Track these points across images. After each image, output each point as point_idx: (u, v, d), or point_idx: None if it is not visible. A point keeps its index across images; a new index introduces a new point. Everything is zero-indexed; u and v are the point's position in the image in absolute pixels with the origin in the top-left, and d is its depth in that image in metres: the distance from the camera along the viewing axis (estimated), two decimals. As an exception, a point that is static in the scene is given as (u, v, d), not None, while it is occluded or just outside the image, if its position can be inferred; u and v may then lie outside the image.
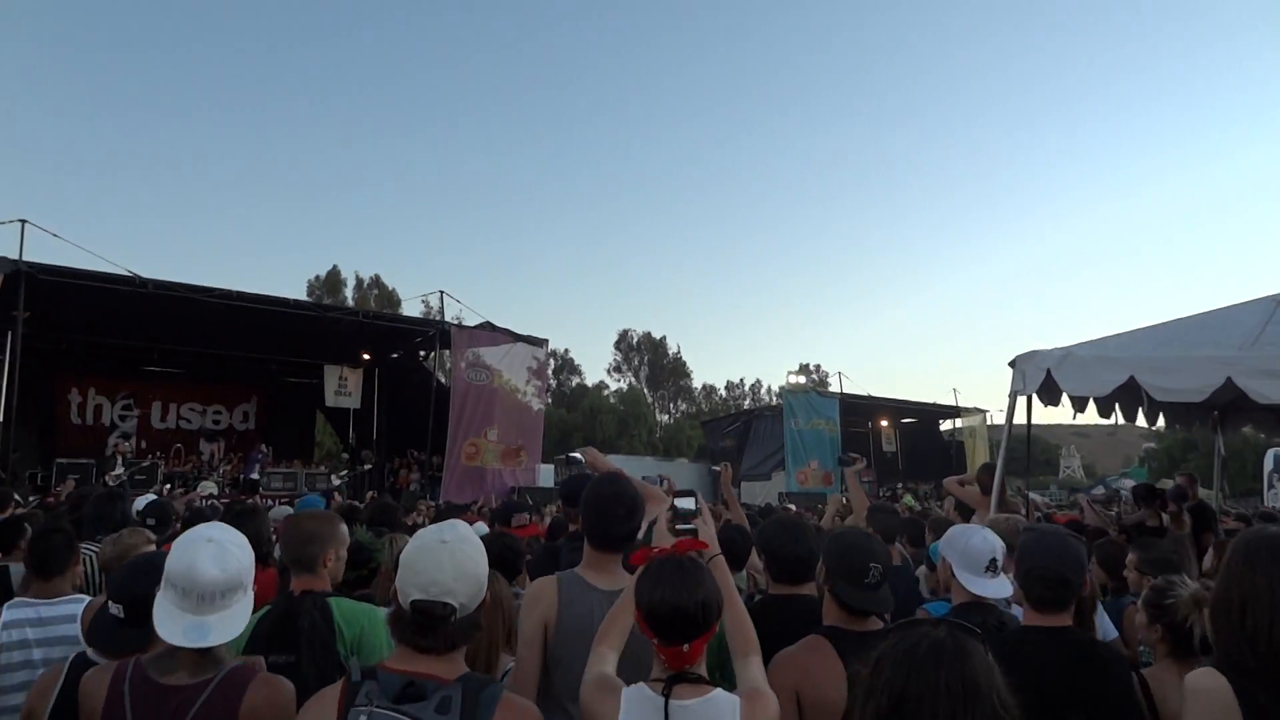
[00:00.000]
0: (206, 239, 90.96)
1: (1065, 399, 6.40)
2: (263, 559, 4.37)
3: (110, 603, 2.48)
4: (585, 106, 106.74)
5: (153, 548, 3.64)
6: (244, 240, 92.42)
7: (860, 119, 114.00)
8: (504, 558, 3.63)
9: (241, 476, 21.36)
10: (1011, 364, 6.27)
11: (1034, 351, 6.04)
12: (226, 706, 2.06)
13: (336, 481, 21.35)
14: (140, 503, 5.59)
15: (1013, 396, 6.39)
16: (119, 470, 18.90)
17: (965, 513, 6.43)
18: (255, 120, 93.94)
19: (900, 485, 32.03)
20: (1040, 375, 5.93)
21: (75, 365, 22.97)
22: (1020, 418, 6.63)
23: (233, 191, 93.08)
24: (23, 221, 16.88)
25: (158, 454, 21.52)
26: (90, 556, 4.15)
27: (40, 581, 3.49)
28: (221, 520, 4.41)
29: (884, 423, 36.70)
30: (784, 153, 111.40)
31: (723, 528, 4.36)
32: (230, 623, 2.11)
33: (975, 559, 3.06)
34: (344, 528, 3.23)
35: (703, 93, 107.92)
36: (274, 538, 4.56)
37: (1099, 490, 36.91)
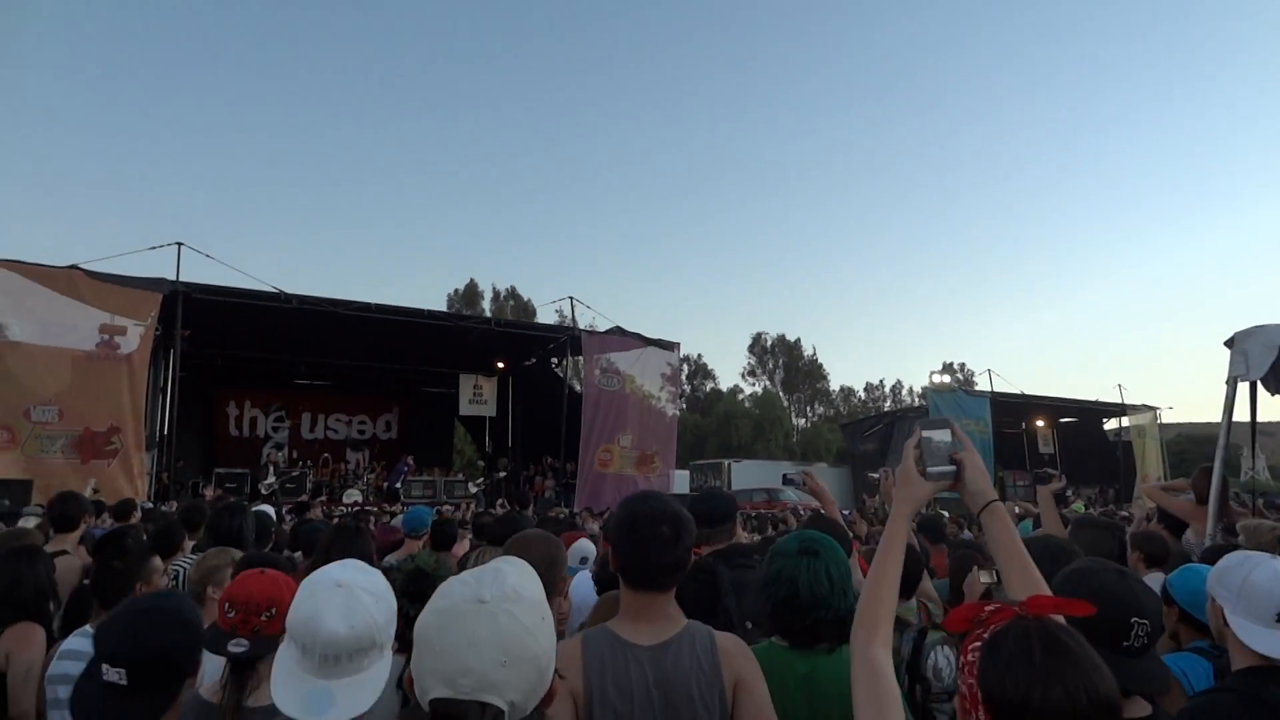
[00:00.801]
0: (353, 257, 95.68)
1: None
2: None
3: (105, 665, 1.93)
4: (713, 111, 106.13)
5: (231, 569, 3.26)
6: (388, 257, 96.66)
7: (1006, 104, 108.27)
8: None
9: (385, 485, 21.83)
10: (1229, 343, 5.17)
11: (1260, 327, 4.95)
12: None
13: (473, 489, 21.51)
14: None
15: (1231, 382, 5.26)
16: (271, 479, 19.61)
17: (1174, 526, 5.39)
18: (393, 140, 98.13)
19: (1066, 489, 29.47)
20: (1270, 355, 4.84)
21: (232, 380, 24.20)
22: (1242, 408, 5.47)
23: (377, 210, 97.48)
24: (179, 244, 17.79)
25: (307, 463, 22.27)
26: (182, 572, 3.86)
27: (99, 609, 3.14)
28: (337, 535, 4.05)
29: (1040, 422, 34.30)
30: (922, 143, 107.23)
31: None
32: (361, 691, 1.72)
33: (1263, 602, 2.18)
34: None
35: (833, 89, 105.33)
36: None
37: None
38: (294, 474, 20.43)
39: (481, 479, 22.79)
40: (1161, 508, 5.68)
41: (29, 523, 5.54)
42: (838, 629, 2.17)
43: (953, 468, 1.74)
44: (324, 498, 19.16)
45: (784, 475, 3.65)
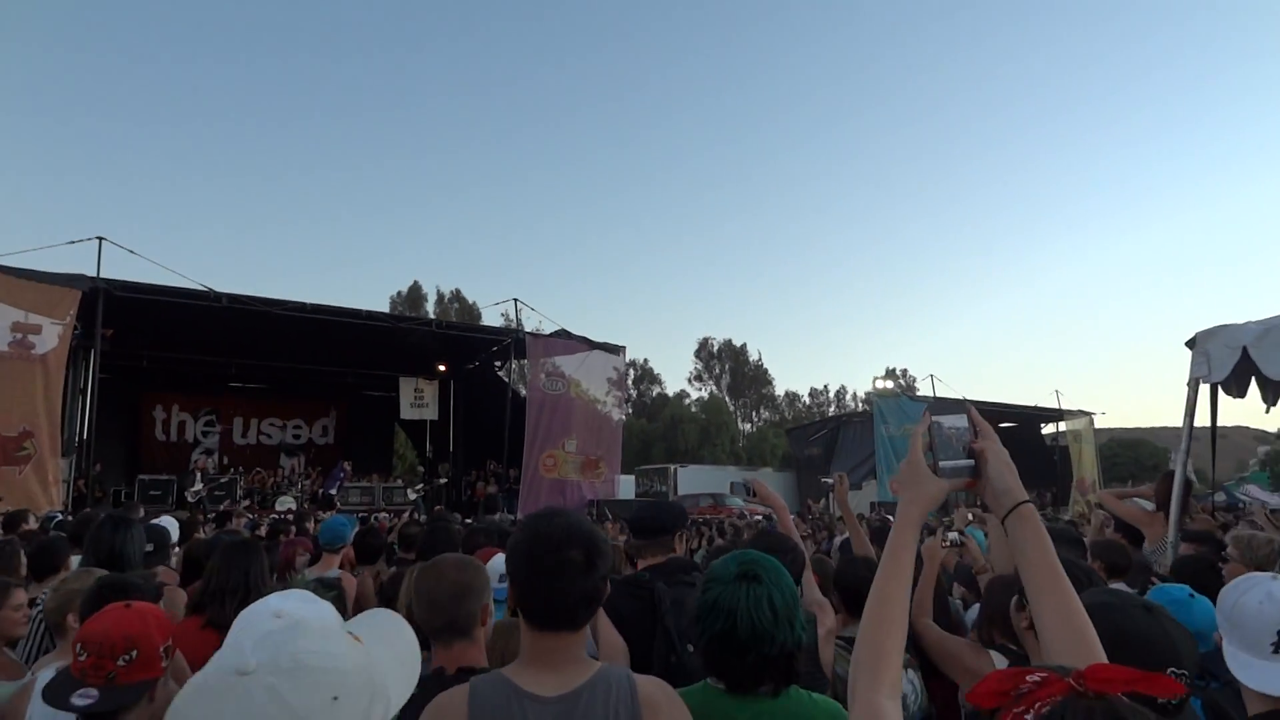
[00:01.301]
0: (291, 258, 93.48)
1: (1254, 389, 5.17)
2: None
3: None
4: (656, 112, 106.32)
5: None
6: (327, 258, 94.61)
7: (947, 108, 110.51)
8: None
9: (320, 491, 21.12)
10: (1190, 343, 5.01)
11: (1221, 327, 4.79)
12: None
13: (413, 495, 20.93)
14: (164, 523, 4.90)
15: (1193, 384, 5.10)
16: (198, 486, 18.79)
17: (1132, 535, 5.22)
18: (335, 136, 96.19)
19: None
20: (1232, 356, 4.68)
21: (159, 382, 23.22)
22: (1202, 412, 5.30)
23: (317, 209, 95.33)
24: (100, 239, 16.95)
25: (238, 469, 21.42)
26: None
27: None
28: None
29: (980, 428, 34.78)
30: (865, 147, 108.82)
31: (845, 564, 3.38)
32: None
33: (1254, 629, 1.89)
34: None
35: (773, 95, 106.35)
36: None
37: (1220, 498, 34.21)
38: (223, 480, 19.63)
39: (421, 485, 22.20)
40: (1117, 515, 5.52)
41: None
42: (784, 667, 1.83)
43: (970, 461, 1.43)
44: (252, 504, 18.44)
45: (731, 483, 3.30)
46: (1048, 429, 36.46)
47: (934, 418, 1.49)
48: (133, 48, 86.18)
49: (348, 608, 3.42)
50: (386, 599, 3.88)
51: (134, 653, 1.83)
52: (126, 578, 2.66)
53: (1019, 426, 35.73)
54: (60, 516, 9.21)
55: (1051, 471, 33.49)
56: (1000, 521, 1.37)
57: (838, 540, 12.00)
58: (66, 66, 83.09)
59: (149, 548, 4.11)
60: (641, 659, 2.70)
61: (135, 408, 23.37)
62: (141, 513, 7.97)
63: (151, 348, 20.67)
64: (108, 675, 1.82)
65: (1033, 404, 34.08)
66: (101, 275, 16.60)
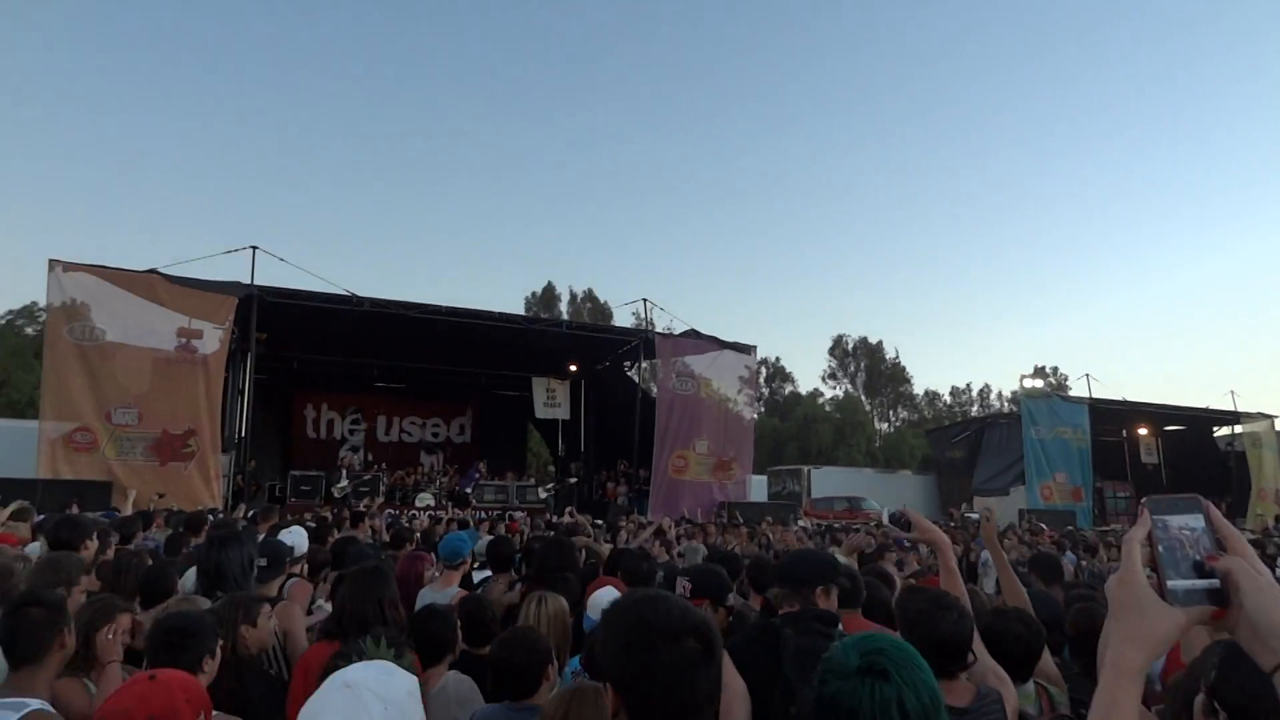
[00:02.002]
0: (431, 261, 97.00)
1: None
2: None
3: None
4: (791, 111, 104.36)
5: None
6: (466, 261, 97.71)
7: (1100, 90, 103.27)
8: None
9: (457, 489, 21.68)
10: None
11: None
12: None
13: (543, 495, 21.13)
14: (288, 539, 4.90)
15: None
16: (344, 483, 19.59)
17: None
18: (473, 142, 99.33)
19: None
20: None
21: (309, 382, 24.45)
22: None
23: (457, 213, 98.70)
24: (254, 248, 17.93)
25: (381, 466, 22.26)
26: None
27: (12, 673, 2.53)
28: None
29: (1143, 430, 32.42)
30: (1008, 133, 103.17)
31: (996, 617, 2.84)
32: None
33: None
34: None
35: (913, 92, 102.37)
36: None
37: None
38: (367, 477, 20.39)
39: (551, 484, 22.42)
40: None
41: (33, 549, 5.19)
42: None
43: (1214, 581, 1.02)
44: (394, 501, 19.06)
45: (889, 514, 2.91)
46: (1221, 432, 33.46)
47: (1155, 516, 1.08)
48: (278, 63, 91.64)
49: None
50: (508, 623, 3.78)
51: None
52: (181, 618, 2.55)
53: (1188, 430, 33.08)
54: (219, 518, 9.58)
55: (1226, 480, 30.73)
56: (1270, 673, 0.95)
57: (982, 558, 11.17)
58: (223, 82, 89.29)
59: (262, 562, 4.09)
60: (760, 708, 2.54)
61: (288, 407, 24.70)
62: (276, 518, 8.25)
63: (301, 350, 21.77)
64: None
65: (1204, 406, 31.21)
66: (255, 282, 17.56)
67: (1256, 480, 29.56)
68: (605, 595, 3.62)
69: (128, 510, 8.29)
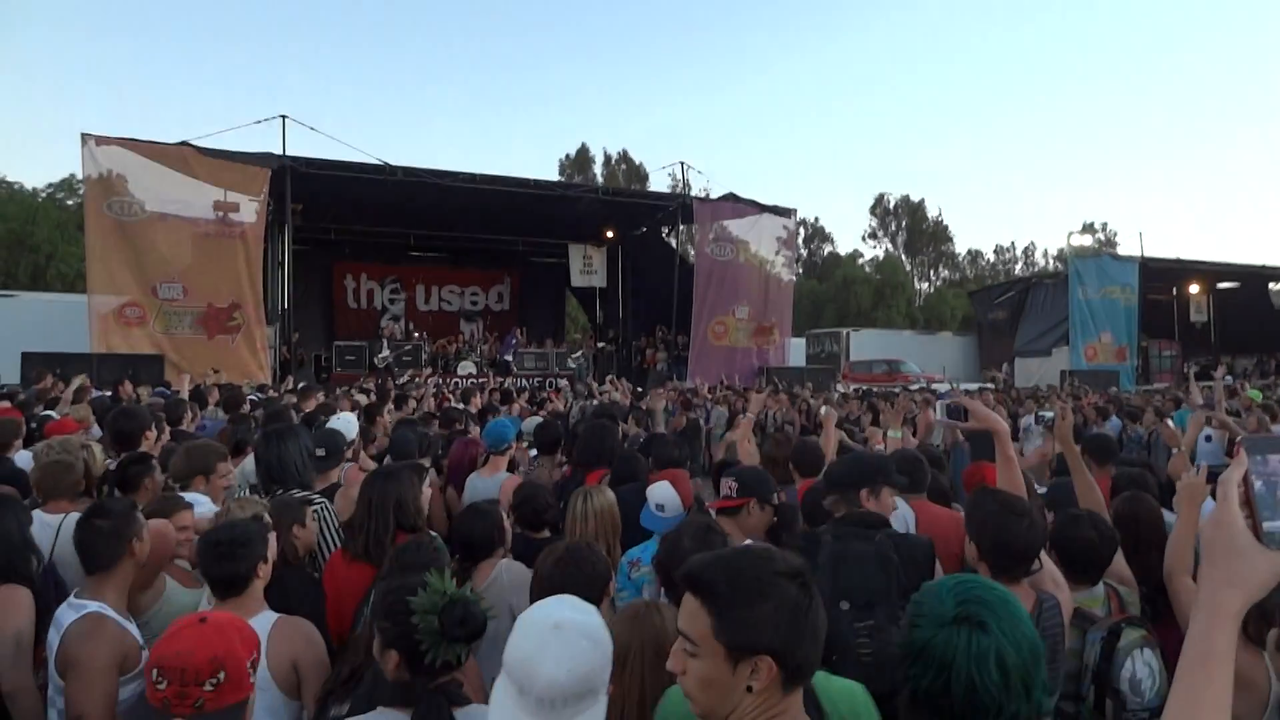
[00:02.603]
0: (462, 126, 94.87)
1: None
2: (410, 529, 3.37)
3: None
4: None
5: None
6: (498, 124, 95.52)
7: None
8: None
9: (498, 356, 21.92)
10: None
11: None
12: None
13: (572, 364, 21.20)
14: (337, 425, 4.92)
15: None
16: (385, 353, 19.87)
17: None
18: (504, 1, 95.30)
19: (1214, 360, 26.84)
20: None
21: (347, 253, 24.48)
22: None
23: (485, 74, 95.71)
24: (283, 117, 17.63)
25: (422, 334, 22.49)
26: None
27: (87, 577, 2.59)
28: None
29: (1194, 288, 31.44)
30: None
31: (1069, 521, 2.71)
32: None
33: None
34: None
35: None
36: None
37: None
38: (408, 346, 20.67)
39: (579, 352, 22.35)
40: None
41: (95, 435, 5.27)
42: None
43: None
44: (436, 369, 19.35)
45: (948, 407, 2.88)
46: (1277, 288, 32.41)
47: (1253, 455, 1.02)
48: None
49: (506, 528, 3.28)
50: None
51: (221, 675, 1.68)
52: (228, 529, 2.54)
53: (1241, 287, 32.05)
54: (262, 397, 9.69)
55: (1277, 335, 30.02)
56: None
57: (1023, 423, 11.05)
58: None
59: (320, 452, 4.13)
60: None
61: (328, 278, 24.84)
62: (321, 396, 8.35)
63: (338, 221, 21.67)
64: (195, 704, 1.67)
65: (1260, 263, 30.15)
66: (287, 153, 17.34)
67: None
68: (663, 490, 3.61)
69: (184, 390, 8.43)
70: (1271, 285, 32.26)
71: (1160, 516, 3.22)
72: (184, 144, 16.44)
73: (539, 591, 2.30)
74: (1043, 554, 2.33)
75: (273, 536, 2.74)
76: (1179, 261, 29.52)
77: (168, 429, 5.43)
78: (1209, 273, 30.82)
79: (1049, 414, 8.62)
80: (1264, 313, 31.59)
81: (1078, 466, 3.13)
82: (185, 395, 7.88)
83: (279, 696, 2.39)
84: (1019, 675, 1.32)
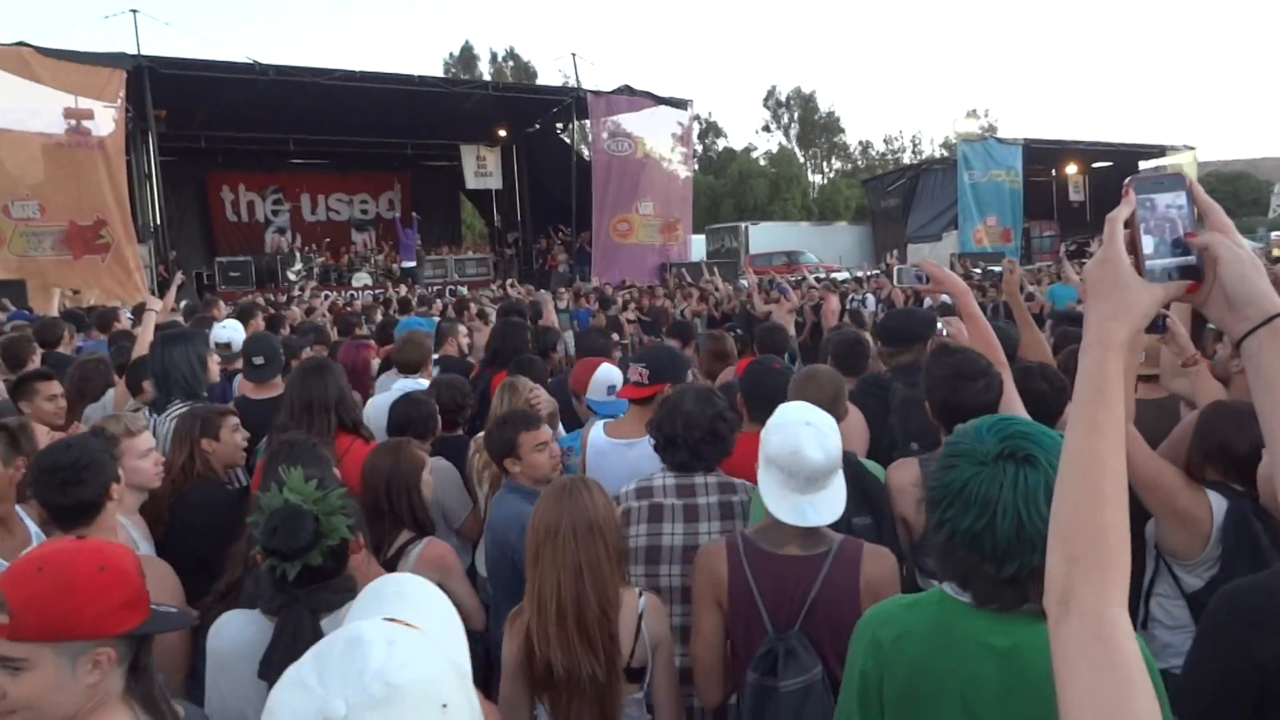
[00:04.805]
0: (335, 23, 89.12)
1: None
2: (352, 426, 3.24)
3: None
4: None
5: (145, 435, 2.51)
6: (374, 21, 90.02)
7: None
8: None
9: (398, 266, 21.05)
10: None
11: None
12: (847, 578, 2.06)
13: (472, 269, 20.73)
14: (223, 334, 4.56)
15: None
16: (298, 266, 18.82)
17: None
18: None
19: (1089, 239, 28.28)
20: None
21: (222, 162, 22.92)
22: None
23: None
24: (134, 11, 16.05)
25: (312, 246, 21.43)
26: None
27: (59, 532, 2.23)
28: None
29: (1071, 169, 32.67)
30: None
31: (1022, 373, 2.64)
32: (831, 502, 2.12)
33: None
34: None
35: None
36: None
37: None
38: (318, 260, 19.82)
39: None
40: None
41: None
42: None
43: (1190, 257, 1.02)
44: (330, 282, 18.55)
45: (899, 270, 3.19)
46: (1146, 166, 34.03)
47: (1139, 195, 1.05)
48: None
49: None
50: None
51: None
52: (60, 451, 2.25)
53: (1114, 165, 33.44)
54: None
55: (1147, 214, 31.59)
56: (1236, 343, 0.99)
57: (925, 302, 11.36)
58: None
59: (258, 360, 3.84)
60: (876, 453, 3.05)
61: (202, 190, 23.23)
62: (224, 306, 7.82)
63: (207, 127, 20.16)
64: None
65: (1135, 142, 31.53)
66: (142, 52, 15.87)
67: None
68: (612, 371, 3.53)
69: (52, 311, 7.76)
70: (1142, 164, 33.84)
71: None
72: (21, 44, 14.79)
73: None
74: (1010, 401, 2.31)
75: (149, 455, 2.51)
76: (1059, 142, 30.54)
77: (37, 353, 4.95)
78: (1085, 152, 32.05)
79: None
80: (1136, 191, 33.15)
81: (1024, 319, 3.16)
82: (54, 313, 7.25)
83: None
84: None
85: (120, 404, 3.84)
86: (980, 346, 2.49)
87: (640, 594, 2.14)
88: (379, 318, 9.55)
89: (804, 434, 2.07)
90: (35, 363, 4.32)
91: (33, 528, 2.53)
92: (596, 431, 3.11)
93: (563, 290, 11.48)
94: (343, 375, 3.29)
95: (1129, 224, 1.03)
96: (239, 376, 4.24)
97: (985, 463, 1.30)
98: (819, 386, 2.69)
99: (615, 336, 7.51)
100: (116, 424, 2.64)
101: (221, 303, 8.20)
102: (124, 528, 2.50)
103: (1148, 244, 1.02)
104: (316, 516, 1.76)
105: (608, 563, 2.03)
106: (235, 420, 3.14)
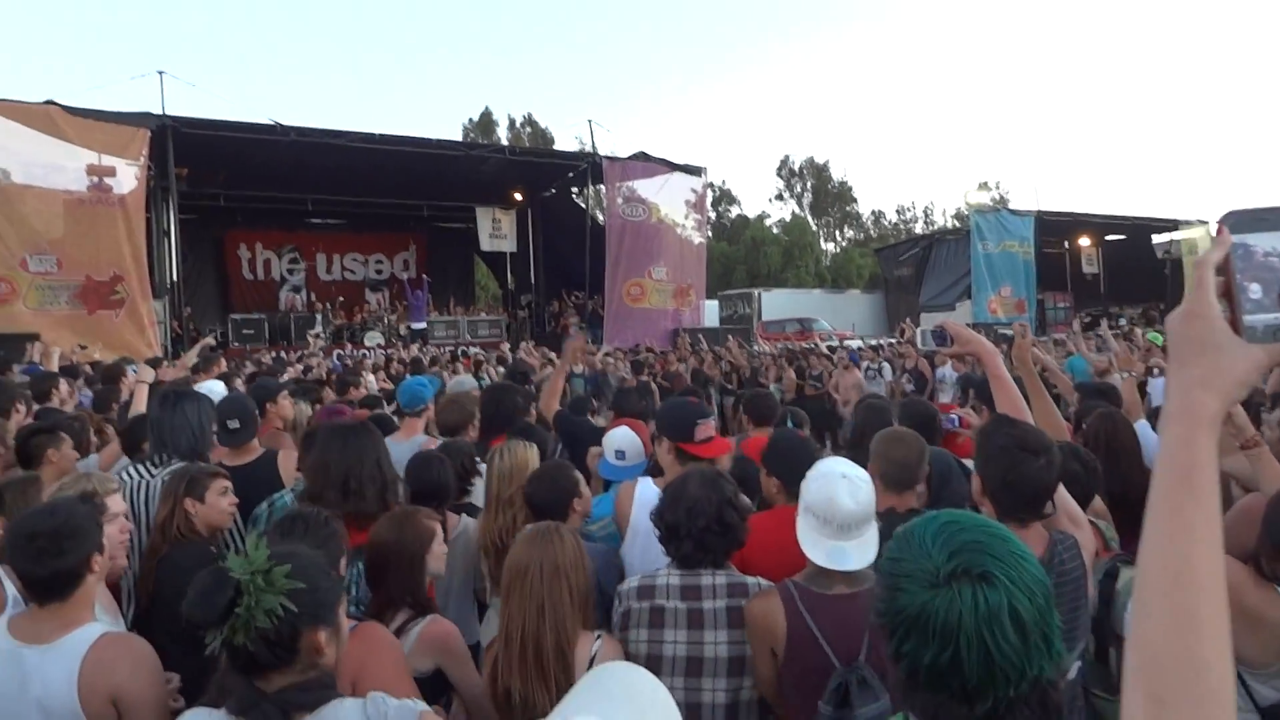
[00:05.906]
0: (359, 89, 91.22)
1: None
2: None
3: None
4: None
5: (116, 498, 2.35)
6: (397, 87, 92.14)
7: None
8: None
9: (409, 326, 21.05)
10: None
11: None
12: None
13: (484, 330, 20.66)
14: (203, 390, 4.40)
15: None
16: (317, 329, 18.76)
17: None
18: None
19: (1103, 310, 28.20)
20: None
21: (240, 220, 23.13)
22: None
23: (382, 34, 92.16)
24: (160, 73, 16.39)
25: (326, 305, 21.48)
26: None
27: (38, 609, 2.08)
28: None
29: (1084, 241, 32.70)
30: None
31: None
32: (865, 549, 2.19)
33: None
34: None
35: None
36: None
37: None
38: (337, 323, 19.87)
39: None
40: None
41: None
42: (1038, 706, 1.10)
43: None
44: (343, 341, 18.51)
45: (933, 333, 2.85)
46: (1159, 240, 33.95)
47: (1236, 237, 0.85)
48: None
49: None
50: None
51: None
52: (46, 516, 2.07)
53: (1128, 239, 33.44)
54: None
55: (1160, 286, 31.45)
56: None
57: (937, 374, 11.12)
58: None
59: (234, 424, 3.64)
60: None
61: (219, 248, 23.44)
62: (222, 367, 7.69)
63: (227, 186, 20.41)
64: None
65: (1148, 215, 31.58)
66: (166, 112, 16.13)
67: (1188, 285, 30.25)
68: (623, 434, 3.40)
69: (52, 366, 7.68)
70: (1154, 237, 33.80)
71: (1131, 425, 3.12)
72: (50, 103, 15.08)
73: None
74: (1060, 492, 2.11)
75: (115, 520, 2.33)
76: (1071, 215, 30.60)
77: (34, 406, 4.82)
78: (1098, 225, 32.08)
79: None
80: (1148, 263, 33.08)
81: (1036, 388, 2.91)
82: (54, 369, 7.16)
83: None
84: (1037, 628, 1.09)
85: (108, 462, 3.68)
86: (1007, 410, 2.32)
87: (598, 637, 2.19)
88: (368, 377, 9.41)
89: (840, 485, 2.21)
90: (19, 414, 4.18)
91: (11, 591, 2.35)
92: (646, 487, 2.97)
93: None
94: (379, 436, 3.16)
95: (1223, 270, 0.86)
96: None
97: (938, 584, 1.10)
98: (907, 446, 2.79)
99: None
100: (87, 483, 2.48)
101: (224, 360, 8.11)
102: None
103: (1249, 294, 0.85)
104: (239, 588, 1.52)
105: (569, 604, 2.13)
106: (225, 484, 2.99)
